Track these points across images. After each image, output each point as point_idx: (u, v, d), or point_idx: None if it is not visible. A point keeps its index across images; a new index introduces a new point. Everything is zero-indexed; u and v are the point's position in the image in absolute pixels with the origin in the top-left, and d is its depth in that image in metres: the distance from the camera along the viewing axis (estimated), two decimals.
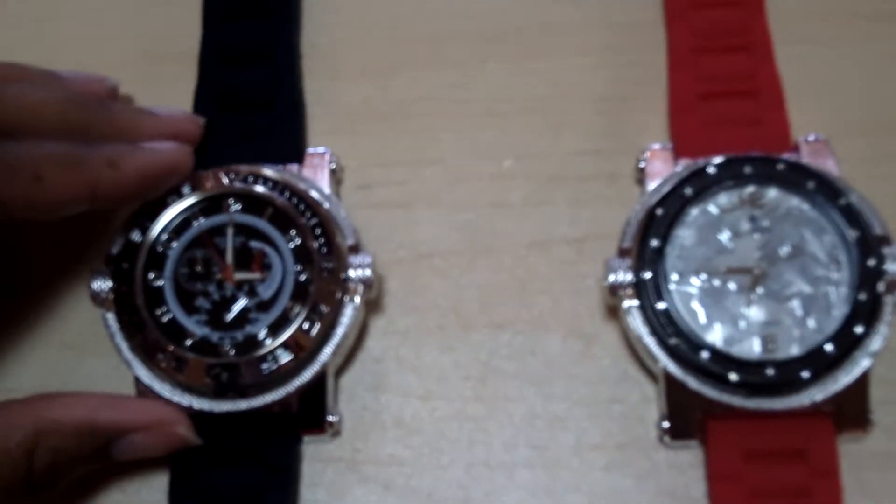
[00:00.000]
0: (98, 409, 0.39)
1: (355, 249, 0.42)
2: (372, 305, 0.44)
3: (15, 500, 0.37)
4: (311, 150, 0.45)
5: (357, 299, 0.41)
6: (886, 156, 0.44)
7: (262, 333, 0.41)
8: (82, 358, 0.44)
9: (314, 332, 0.40)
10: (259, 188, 0.42)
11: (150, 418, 0.40)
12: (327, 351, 0.41)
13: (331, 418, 0.41)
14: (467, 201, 0.46)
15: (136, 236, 0.42)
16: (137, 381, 0.41)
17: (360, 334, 0.43)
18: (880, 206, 0.41)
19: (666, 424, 0.40)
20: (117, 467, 0.41)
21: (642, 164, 0.44)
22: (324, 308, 0.40)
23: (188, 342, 0.41)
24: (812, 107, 0.45)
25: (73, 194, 0.40)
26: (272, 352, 0.40)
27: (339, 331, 0.41)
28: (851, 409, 0.40)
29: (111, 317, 0.41)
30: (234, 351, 0.40)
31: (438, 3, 0.50)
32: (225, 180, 0.43)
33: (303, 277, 0.41)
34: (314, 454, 0.42)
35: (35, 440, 0.37)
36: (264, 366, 0.40)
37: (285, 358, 0.40)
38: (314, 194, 0.43)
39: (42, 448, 0.37)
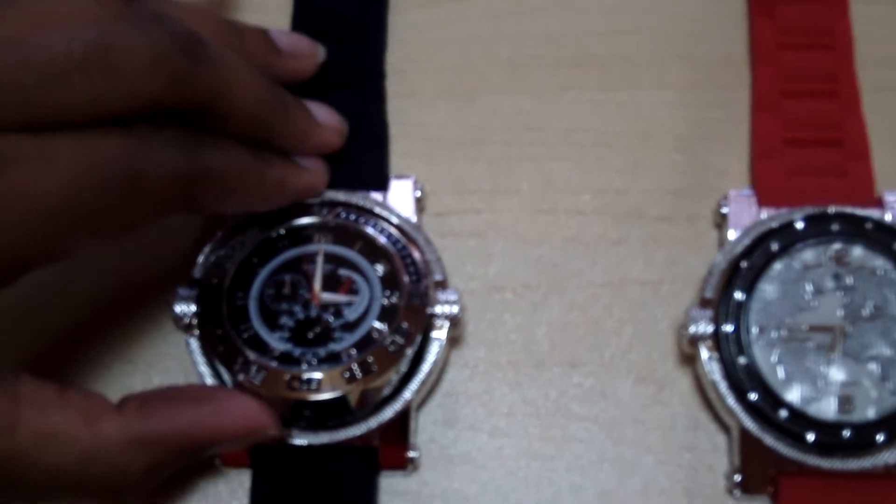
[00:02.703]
0: (193, 423, 0.38)
1: (443, 285, 0.42)
2: (454, 341, 0.43)
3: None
4: (395, 177, 0.45)
5: (443, 336, 0.41)
6: None
7: (345, 351, 0.40)
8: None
9: (398, 361, 0.40)
10: (350, 220, 0.42)
11: (246, 426, 0.39)
12: (412, 387, 0.40)
13: (412, 454, 0.41)
14: (542, 235, 0.45)
15: (224, 259, 0.42)
16: None
17: (442, 369, 0.43)
18: None
19: (738, 478, 0.40)
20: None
21: (724, 210, 0.43)
22: (409, 346, 0.40)
23: (270, 356, 0.40)
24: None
25: (248, 208, 0.41)
26: (357, 366, 0.40)
27: (424, 367, 0.41)
28: None
29: (194, 342, 0.41)
30: (317, 366, 0.40)
31: (518, 26, 0.49)
32: (317, 212, 0.43)
33: (390, 303, 0.41)
34: (382, 487, 0.42)
35: (128, 455, 0.36)
36: (346, 374, 0.39)
37: (364, 372, 0.40)
38: (404, 226, 0.43)
39: (135, 461, 0.36)
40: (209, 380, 0.41)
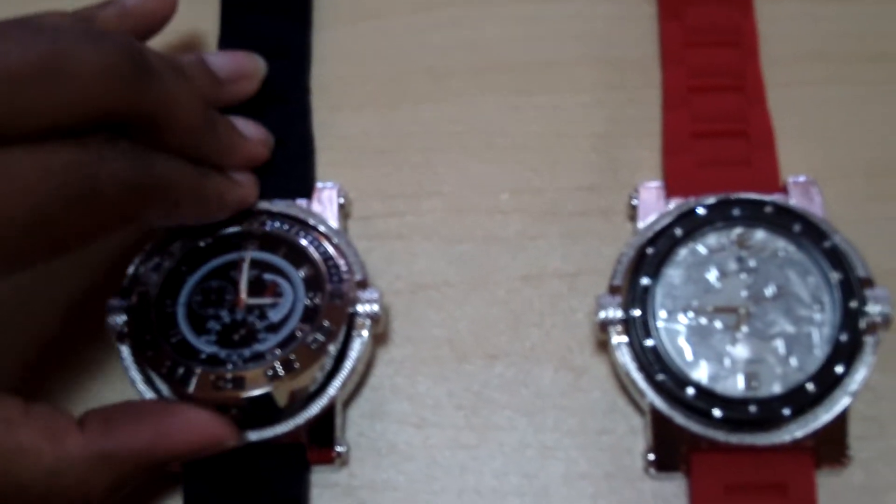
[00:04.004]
0: (155, 439, 0.39)
1: (364, 285, 0.43)
2: (380, 338, 0.45)
3: None
4: (320, 184, 0.46)
5: (365, 333, 0.43)
6: (872, 198, 0.46)
7: (269, 351, 0.42)
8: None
9: (320, 358, 0.41)
10: (274, 227, 0.44)
11: (206, 439, 0.40)
12: (336, 384, 0.42)
13: (339, 449, 0.43)
14: (463, 234, 0.47)
15: (153, 269, 0.44)
16: None
17: (368, 366, 0.45)
18: (865, 248, 0.42)
19: (652, 457, 0.42)
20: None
21: (634, 202, 0.45)
22: (331, 343, 0.42)
23: (197, 359, 0.42)
24: (801, 148, 0.46)
25: (190, 221, 0.42)
26: (279, 364, 0.41)
27: (348, 364, 0.42)
28: (831, 445, 0.41)
29: (125, 349, 0.42)
30: (241, 366, 0.41)
31: (438, 37, 0.51)
32: (243, 220, 0.45)
33: (312, 304, 0.43)
34: (313, 480, 0.43)
35: (92, 472, 0.37)
36: (268, 373, 0.41)
37: (286, 370, 0.41)
38: (324, 230, 0.44)
39: (99, 477, 0.37)
40: (140, 385, 0.42)
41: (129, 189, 0.37)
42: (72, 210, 0.36)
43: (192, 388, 0.41)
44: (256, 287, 0.43)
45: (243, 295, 0.43)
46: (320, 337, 0.42)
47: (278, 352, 0.42)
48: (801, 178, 0.44)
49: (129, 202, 0.38)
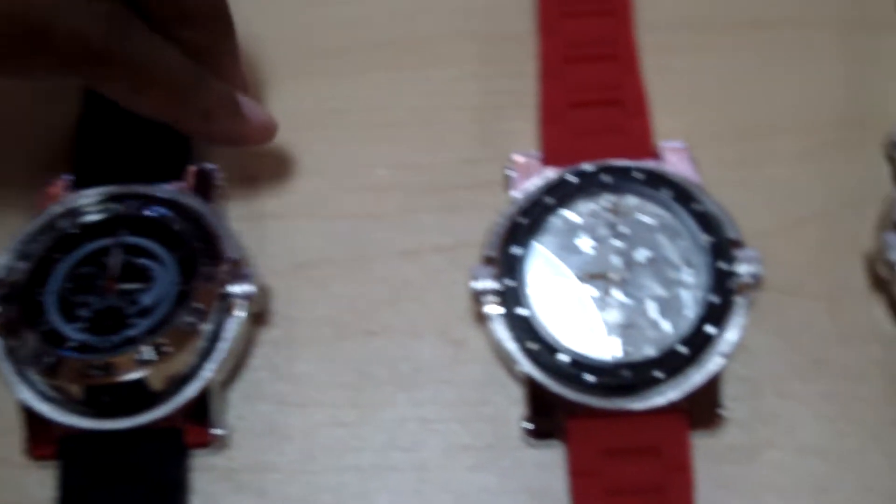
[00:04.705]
0: None
1: (239, 265, 0.43)
2: (258, 319, 0.44)
3: None
4: (196, 166, 0.46)
5: (239, 314, 0.42)
6: (742, 161, 0.46)
7: (140, 336, 0.41)
8: None
9: (192, 341, 0.41)
10: (147, 212, 0.44)
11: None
12: (211, 366, 0.42)
13: (217, 432, 0.42)
14: (344, 212, 0.47)
15: (23, 258, 0.43)
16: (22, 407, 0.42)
17: (246, 347, 0.44)
18: (736, 211, 0.42)
19: (529, 425, 0.42)
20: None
21: (510, 173, 0.45)
22: (205, 323, 0.41)
23: (67, 346, 0.41)
24: (675, 114, 0.46)
25: (225, 138, 0.44)
26: (149, 348, 0.41)
27: (223, 346, 0.42)
28: (704, 407, 0.41)
29: None
30: (110, 351, 0.41)
31: (315, 16, 0.51)
32: (114, 205, 0.44)
33: (185, 287, 0.42)
34: (194, 464, 0.43)
35: None
36: (138, 358, 0.40)
37: (157, 354, 0.40)
38: (198, 211, 0.44)
39: None
40: (11, 377, 0.42)
41: (84, 48, 0.37)
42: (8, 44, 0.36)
43: (60, 376, 0.40)
44: (129, 272, 0.43)
45: (113, 279, 0.42)
46: (192, 319, 0.41)
47: (149, 336, 0.41)
48: (673, 144, 0.44)
49: (84, 61, 0.38)
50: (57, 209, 0.44)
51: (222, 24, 0.42)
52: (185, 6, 0.40)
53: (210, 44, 0.42)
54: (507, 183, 0.45)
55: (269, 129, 0.45)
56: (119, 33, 0.38)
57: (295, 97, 0.49)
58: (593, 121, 0.46)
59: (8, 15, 0.35)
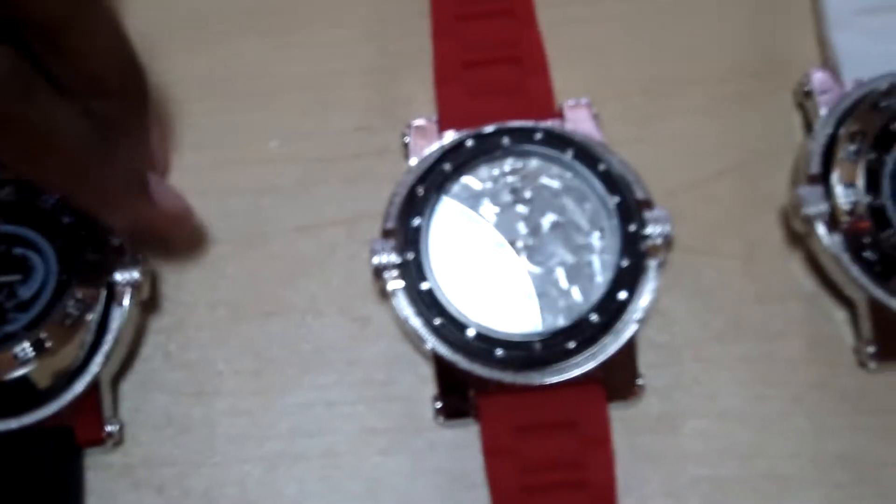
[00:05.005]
0: None
1: (122, 251, 0.40)
2: (147, 306, 0.42)
3: None
4: None
5: (126, 302, 0.40)
6: (647, 117, 0.44)
7: (19, 331, 0.39)
8: None
9: (76, 334, 0.39)
10: (24, 196, 0.41)
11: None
12: (98, 360, 0.39)
13: (109, 428, 0.40)
14: (231, 187, 0.44)
15: None
16: None
17: (137, 336, 0.42)
18: (644, 169, 0.41)
19: (439, 404, 0.40)
20: None
21: (407, 139, 0.42)
22: (89, 315, 0.39)
23: None
24: (577, 70, 0.44)
25: (126, 223, 0.40)
26: (28, 344, 0.38)
27: (109, 337, 0.40)
28: (620, 376, 0.40)
29: None
30: None
31: None
32: None
33: (66, 277, 0.40)
34: (88, 463, 0.41)
35: None
36: (18, 355, 0.38)
37: (37, 350, 0.38)
38: None
39: None
40: None
41: None
42: None
43: None
44: (3, 262, 0.40)
45: None
46: (75, 311, 0.39)
47: (29, 331, 0.38)
48: (575, 101, 0.42)
49: None
50: None
51: (136, 96, 0.38)
52: (96, 74, 0.36)
53: (121, 117, 0.38)
54: (405, 150, 0.43)
55: (179, 218, 0.41)
56: (16, 93, 0.33)
57: (175, 67, 0.46)
58: (490, 81, 0.43)
59: None
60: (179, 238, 0.43)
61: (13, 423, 0.39)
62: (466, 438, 0.40)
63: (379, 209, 0.42)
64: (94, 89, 0.36)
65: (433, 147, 0.42)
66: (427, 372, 0.41)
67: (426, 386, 0.41)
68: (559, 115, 0.42)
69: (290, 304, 0.43)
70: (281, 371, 0.42)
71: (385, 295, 0.41)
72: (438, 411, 0.40)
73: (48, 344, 0.38)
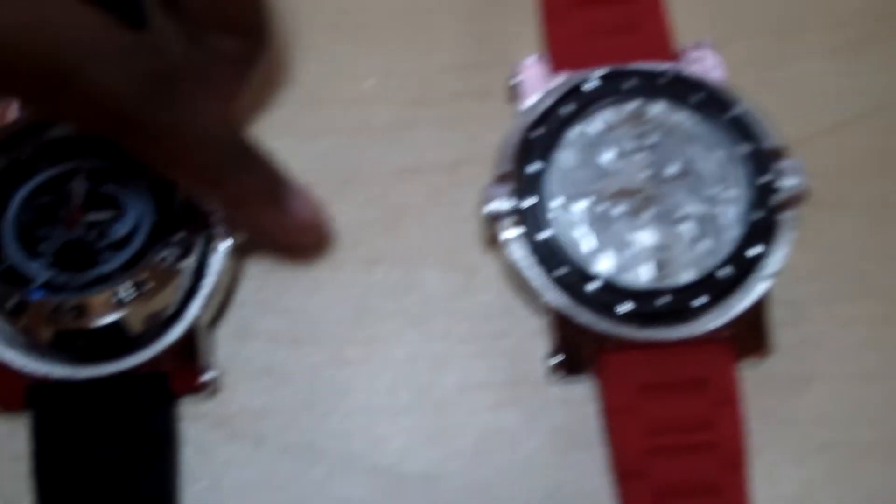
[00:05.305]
0: None
1: None
2: (242, 250, 0.40)
3: None
4: None
5: (225, 245, 0.38)
6: (777, 61, 0.42)
7: (114, 272, 0.37)
8: None
9: (175, 277, 0.37)
10: None
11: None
12: (197, 304, 0.37)
13: (206, 376, 0.38)
14: (324, 128, 0.42)
15: None
16: None
17: (233, 281, 0.40)
18: (774, 116, 0.38)
19: (555, 360, 0.38)
20: None
21: (516, 80, 0.40)
22: (187, 258, 0.37)
23: (31, 286, 0.37)
24: (696, 10, 0.42)
25: (258, 231, 0.39)
26: (130, 284, 0.36)
27: (208, 281, 0.38)
28: (750, 335, 0.38)
29: None
30: (82, 291, 0.36)
31: None
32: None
33: (162, 216, 0.38)
34: (181, 411, 0.39)
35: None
36: (119, 295, 0.36)
37: (137, 293, 0.36)
38: None
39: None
40: None
41: (110, 107, 0.30)
42: None
43: (26, 319, 0.36)
44: (93, 200, 0.38)
45: (77, 209, 0.38)
46: (174, 253, 0.37)
47: (125, 273, 0.36)
48: (698, 43, 0.40)
49: (100, 118, 0.31)
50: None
51: (264, 36, 0.37)
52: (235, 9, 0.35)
53: (244, 57, 0.37)
54: (512, 92, 0.40)
55: (313, 230, 0.39)
56: (157, 100, 0.31)
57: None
58: (603, 19, 0.41)
59: (31, 54, 0.29)
60: (304, 246, 0.41)
61: (107, 369, 0.37)
62: (582, 395, 0.38)
63: (482, 154, 0.40)
64: (230, 25, 0.35)
65: (546, 89, 0.39)
66: (537, 325, 0.39)
67: (537, 340, 0.39)
68: (677, 56, 0.40)
69: (391, 251, 0.41)
70: (383, 322, 0.40)
71: (494, 243, 0.39)
72: (556, 367, 0.38)
73: (147, 286, 0.36)
